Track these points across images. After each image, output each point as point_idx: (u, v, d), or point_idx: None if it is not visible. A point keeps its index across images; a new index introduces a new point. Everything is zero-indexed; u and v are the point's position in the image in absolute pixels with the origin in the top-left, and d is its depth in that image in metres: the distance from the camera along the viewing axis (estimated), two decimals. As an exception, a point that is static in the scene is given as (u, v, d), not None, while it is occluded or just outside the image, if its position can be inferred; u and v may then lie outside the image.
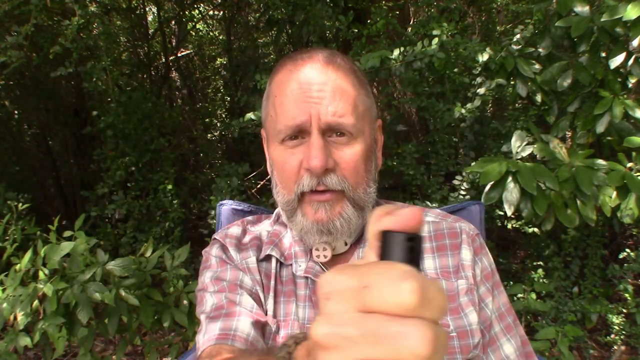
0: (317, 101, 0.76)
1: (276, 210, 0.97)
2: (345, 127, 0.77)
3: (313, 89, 0.77)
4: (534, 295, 2.49)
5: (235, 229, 0.95)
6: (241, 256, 0.89)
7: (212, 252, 0.92)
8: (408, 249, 0.35)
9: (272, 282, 0.86)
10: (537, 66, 2.40)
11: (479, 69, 2.55)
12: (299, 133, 0.78)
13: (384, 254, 0.36)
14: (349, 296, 0.33)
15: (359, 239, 0.88)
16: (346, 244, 0.86)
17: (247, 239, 0.93)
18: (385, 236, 0.36)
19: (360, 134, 0.80)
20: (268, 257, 0.89)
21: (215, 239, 0.95)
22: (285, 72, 0.81)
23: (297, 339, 0.48)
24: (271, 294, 0.86)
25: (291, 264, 0.87)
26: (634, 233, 2.90)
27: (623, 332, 2.56)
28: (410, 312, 0.31)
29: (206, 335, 0.79)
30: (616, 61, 2.15)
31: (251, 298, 0.84)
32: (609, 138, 2.37)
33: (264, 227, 0.95)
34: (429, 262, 0.86)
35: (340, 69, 0.80)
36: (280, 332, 0.83)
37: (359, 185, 0.81)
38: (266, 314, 0.84)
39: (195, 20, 4.73)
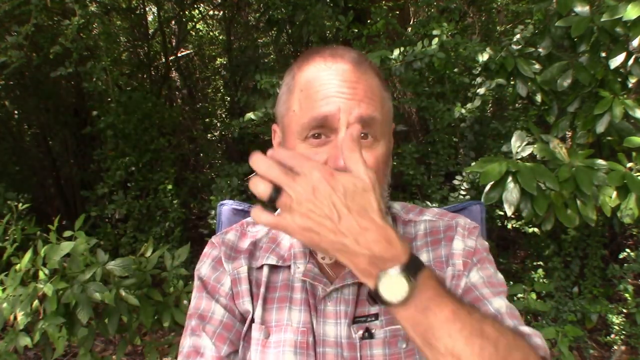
0: (349, 97, 0.75)
1: (278, 211, 0.96)
2: (372, 129, 0.76)
3: (345, 86, 0.75)
4: (534, 295, 2.49)
5: (232, 235, 0.93)
6: (232, 266, 0.88)
7: (202, 270, 0.91)
8: None
9: (263, 290, 0.86)
10: (537, 66, 2.40)
11: (479, 69, 2.55)
12: (324, 130, 0.76)
13: None
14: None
15: None
16: None
17: (243, 244, 0.92)
18: None
19: (383, 137, 0.79)
20: (261, 266, 0.89)
21: (212, 242, 0.94)
22: (314, 67, 0.79)
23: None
24: (260, 301, 0.85)
25: (289, 266, 0.87)
26: (634, 233, 2.90)
27: (623, 332, 2.56)
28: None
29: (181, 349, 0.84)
30: (616, 61, 2.15)
31: (224, 310, 0.85)
32: (609, 138, 2.37)
33: (264, 229, 0.95)
34: (424, 256, 0.86)
35: (371, 71, 0.80)
36: (271, 338, 0.82)
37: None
38: (253, 322, 0.84)
39: (195, 20, 4.73)
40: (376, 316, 0.80)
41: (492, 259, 0.88)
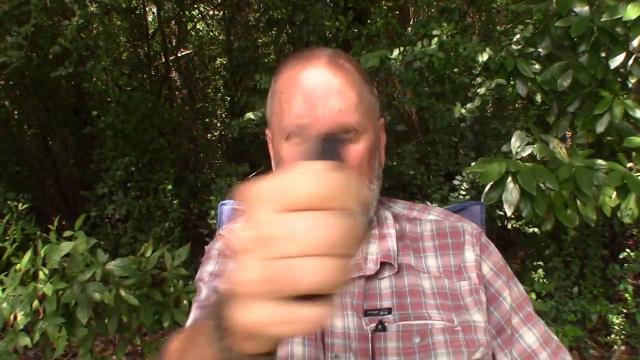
0: (322, 102, 0.77)
1: None
2: (350, 125, 0.78)
3: (318, 88, 0.77)
4: (534, 295, 2.49)
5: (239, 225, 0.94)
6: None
7: (214, 246, 0.93)
8: (323, 148, 0.37)
9: None
10: (537, 66, 2.40)
11: (479, 69, 2.55)
12: (304, 131, 0.79)
13: (304, 157, 0.38)
14: (269, 199, 0.34)
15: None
16: None
17: None
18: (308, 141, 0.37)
19: (364, 131, 0.80)
20: None
21: (219, 234, 0.95)
22: (290, 70, 0.81)
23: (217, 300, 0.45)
24: None
25: None
26: (634, 233, 2.90)
27: (623, 332, 2.56)
28: (320, 203, 0.32)
29: (190, 323, 0.81)
30: (616, 61, 2.15)
31: None
32: (609, 138, 2.37)
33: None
34: (432, 261, 0.86)
35: (345, 68, 0.81)
36: None
37: (362, 181, 0.81)
38: None
39: (195, 20, 4.74)
40: (389, 310, 0.79)
41: (507, 266, 0.89)
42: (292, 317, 0.33)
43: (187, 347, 0.53)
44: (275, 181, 0.34)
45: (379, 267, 0.83)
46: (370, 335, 0.77)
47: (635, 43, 2.07)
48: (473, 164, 2.16)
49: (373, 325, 0.78)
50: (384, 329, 0.78)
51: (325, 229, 0.32)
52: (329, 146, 0.38)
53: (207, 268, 0.90)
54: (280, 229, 0.33)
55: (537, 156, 2.17)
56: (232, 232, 0.93)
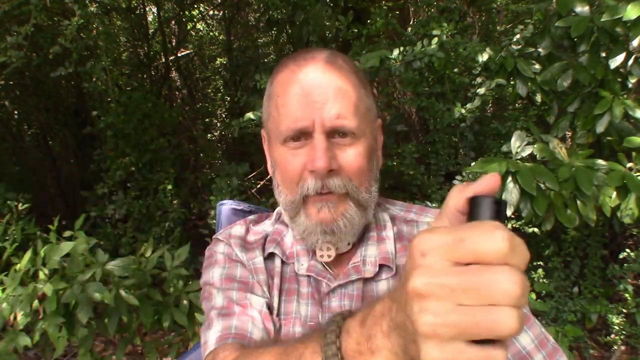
0: (319, 105, 0.76)
1: (277, 210, 0.96)
2: (348, 128, 0.78)
3: (315, 91, 0.77)
4: (534, 295, 2.49)
5: (238, 229, 0.94)
6: (248, 256, 0.89)
7: (218, 250, 0.92)
8: (496, 210, 0.41)
9: (277, 281, 0.87)
10: (537, 66, 2.39)
11: (479, 69, 2.55)
12: (302, 135, 0.78)
13: (473, 216, 0.42)
14: (446, 250, 0.38)
15: (361, 238, 0.88)
16: (349, 244, 0.86)
17: (251, 238, 0.93)
18: (474, 201, 0.42)
19: (362, 134, 0.80)
20: (271, 256, 0.89)
21: (217, 238, 0.94)
22: (287, 72, 0.81)
23: (344, 315, 0.51)
24: (275, 292, 0.86)
25: (293, 263, 0.87)
26: (634, 233, 2.89)
27: (623, 332, 2.56)
28: (502, 258, 0.36)
29: (217, 333, 0.79)
30: (616, 61, 2.15)
31: (262, 299, 0.84)
32: (609, 138, 2.37)
33: (266, 227, 0.95)
34: None
35: (342, 70, 0.80)
36: (281, 330, 0.82)
37: (362, 184, 0.81)
38: (271, 313, 0.84)
39: (195, 20, 4.73)
40: None
41: None
42: (475, 357, 0.37)
43: None
44: (451, 233, 0.38)
45: (377, 269, 0.83)
46: None
47: (635, 43, 2.07)
48: (473, 164, 2.15)
49: None
50: None
51: (508, 281, 0.36)
52: (500, 208, 0.41)
53: (216, 272, 0.89)
54: (462, 278, 0.36)
55: (537, 156, 2.17)
56: (232, 237, 0.93)
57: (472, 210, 0.42)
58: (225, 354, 0.72)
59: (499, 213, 0.41)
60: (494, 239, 0.36)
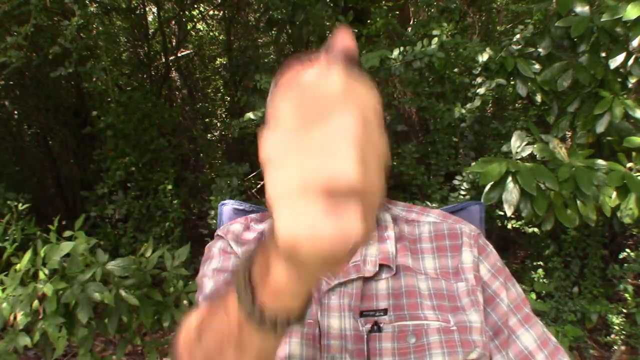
0: None
1: None
2: None
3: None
4: (534, 295, 2.49)
5: (237, 226, 0.95)
6: (242, 250, 0.89)
7: (215, 245, 0.93)
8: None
9: None
10: (537, 66, 2.40)
11: (479, 69, 2.55)
12: None
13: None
14: (296, 100, 0.35)
15: None
16: None
17: (249, 235, 0.93)
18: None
19: None
20: None
21: (217, 235, 0.96)
22: (292, 72, 0.81)
23: (249, 252, 0.47)
24: None
25: None
26: (634, 233, 2.90)
27: (623, 332, 2.56)
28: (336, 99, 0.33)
29: (204, 298, 0.81)
30: (616, 61, 2.15)
31: None
32: (609, 138, 2.37)
33: (268, 226, 0.95)
34: (429, 262, 0.86)
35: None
36: None
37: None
38: None
39: (195, 20, 4.73)
40: (385, 311, 0.80)
41: (505, 267, 0.89)
42: (326, 226, 0.32)
43: (207, 320, 0.52)
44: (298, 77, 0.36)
45: (377, 269, 0.83)
46: (365, 336, 0.78)
47: (635, 43, 2.07)
48: (473, 164, 2.16)
49: (369, 326, 0.78)
50: (379, 329, 0.78)
51: (346, 125, 0.33)
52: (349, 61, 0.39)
53: (210, 266, 0.90)
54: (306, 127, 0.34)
55: (537, 156, 2.17)
56: (229, 233, 0.93)
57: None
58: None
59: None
60: (329, 74, 0.34)
